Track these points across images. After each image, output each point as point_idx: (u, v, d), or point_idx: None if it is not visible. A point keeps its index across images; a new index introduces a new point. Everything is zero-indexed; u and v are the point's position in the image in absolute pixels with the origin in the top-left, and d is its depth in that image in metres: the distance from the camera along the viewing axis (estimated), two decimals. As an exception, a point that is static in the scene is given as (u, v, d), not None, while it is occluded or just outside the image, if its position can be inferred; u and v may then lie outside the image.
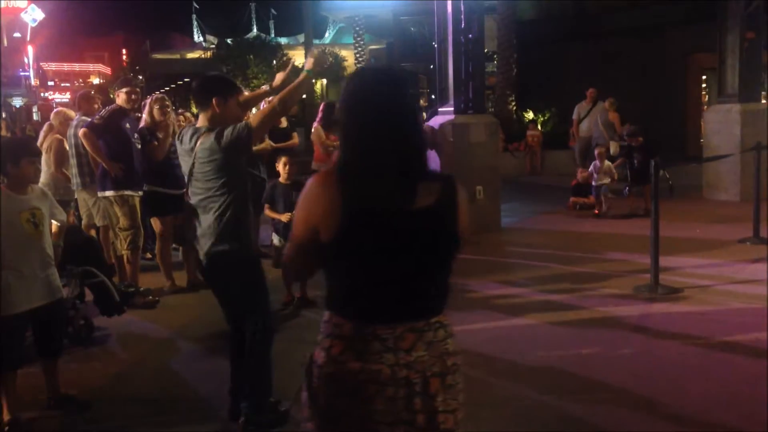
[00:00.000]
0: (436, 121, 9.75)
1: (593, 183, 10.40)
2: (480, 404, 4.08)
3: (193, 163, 3.67)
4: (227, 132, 3.58)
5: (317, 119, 8.98)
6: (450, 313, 2.00)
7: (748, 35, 11.01)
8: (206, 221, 3.69)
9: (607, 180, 10.33)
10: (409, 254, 1.88)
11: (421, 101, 25.00)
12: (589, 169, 10.58)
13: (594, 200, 10.36)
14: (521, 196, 12.33)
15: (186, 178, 3.75)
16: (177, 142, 3.89)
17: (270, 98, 4.30)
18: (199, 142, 3.64)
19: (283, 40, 36.70)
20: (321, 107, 9.25)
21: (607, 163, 10.39)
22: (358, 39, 26.98)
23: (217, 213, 3.65)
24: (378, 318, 1.89)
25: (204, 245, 3.72)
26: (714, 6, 11.62)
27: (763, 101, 12.25)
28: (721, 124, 11.19)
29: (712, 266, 7.02)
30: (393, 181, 1.86)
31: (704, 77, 18.51)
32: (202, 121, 3.76)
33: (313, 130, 8.85)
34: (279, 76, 4.18)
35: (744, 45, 11.04)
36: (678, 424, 3.86)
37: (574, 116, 13.43)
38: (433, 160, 9.52)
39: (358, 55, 26.97)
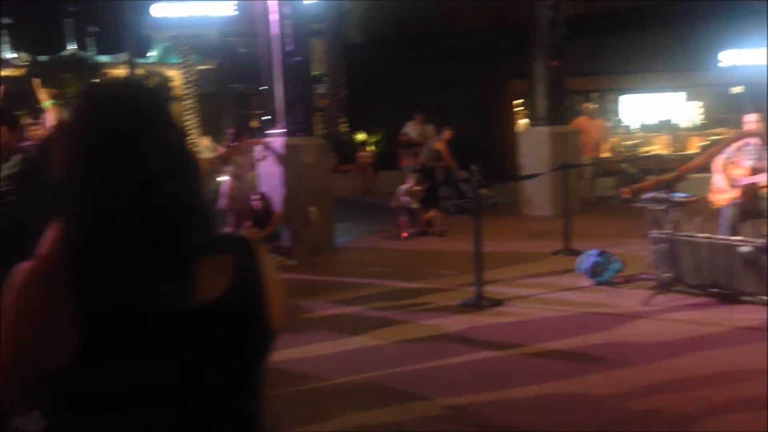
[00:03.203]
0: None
1: (404, 205, 10.41)
2: (311, 425, 4.11)
3: None
4: None
5: None
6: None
7: (553, 63, 11.97)
8: None
9: (416, 205, 10.46)
10: (192, 380, 1.20)
11: (254, 123, 24.78)
12: (399, 192, 10.54)
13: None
14: (354, 216, 12.54)
15: None
16: None
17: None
18: None
19: (105, 59, 35.01)
20: None
21: (416, 188, 10.49)
22: (185, 59, 26.31)
23: None
24: None
25: None
26: (525, 37, 12.53)
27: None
28: (534, 146, 12.04)
29: (530, 278, 7.50)
30: (156, 266, 1.16)
31: (520, 101, 19.86)
32: None
33: None
34: None
35: (550, 72, 11.99)
36: (504, 429, 4.08)
37: (406, 130, 13.86)
38: (275, 178, 9.38)
39: (186, 76, 26.28)
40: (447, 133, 12.77)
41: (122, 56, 35.25)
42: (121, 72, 30.54)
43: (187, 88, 25.16)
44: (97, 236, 1.15)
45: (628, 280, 7.00)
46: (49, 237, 1.26)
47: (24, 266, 1.19)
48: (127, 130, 1.18)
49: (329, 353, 5.40)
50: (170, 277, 1.17)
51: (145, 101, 1.24)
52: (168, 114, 1.26)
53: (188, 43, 25.32)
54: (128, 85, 1.31)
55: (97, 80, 1.39)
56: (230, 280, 1.22)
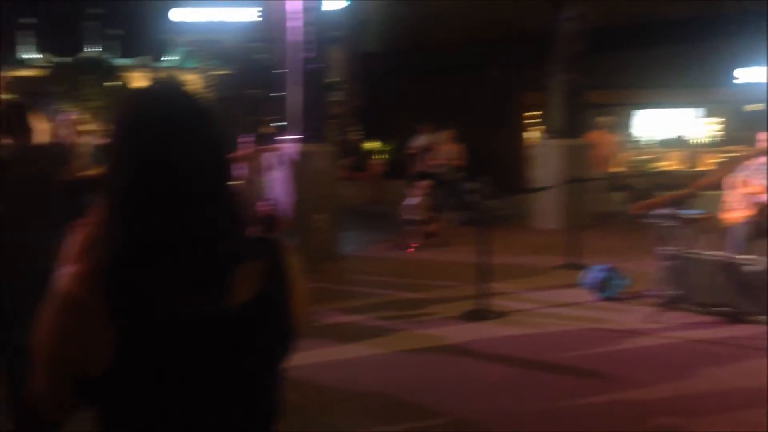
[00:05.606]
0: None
1: (411, 215, 10.30)
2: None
3: None
4: None
5: None
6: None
7: (571, 77, 11.93)
8: None
9: (422, 215, 10.35)
10: (220, 380, 1.26)
11: (266, 129, 24.96)
12: (406, 202, 10.43)
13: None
14: (362, 224, 12.54)
15: None
16: None
17: None
18: None
19: (126, 61, 35.46)
20: None
21: (424, 198, 10.38)
22: (204, 64, 26.56)
23: None
24: None
25: None
26: (542, 49, 12.51)
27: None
28: (547, 158, 12.00)
29: (534, 291, 7.46)
30: (192, 275, 1.20)
31: (534, 114, 19.81)
32: None
33: None
34: None
35: (567, 86, 11.95)
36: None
37: (417, 143, 13.87)
38: (283, 184, 9.42)
39: (204, 80, 26.53)
40: (448, 134, 12.87)
41: (141, 59, 35.64)
42: (142, 75, 30.92)
43: (205, 93, 25.38)
44: (135, 244, 1.19)
45: (634, 296, 6.94)
46: (76, 241, 1.29)
47: (65, 273, 1.21)
48: (168, 138, 1.21)
49: (329, 361, 5.37)
50: (206, 286, 1.21)
51: (186, 108, 1.26)
52: (208, 120, 1.28)
53: (208, 48, 25.57)
54: (169, 92, 1.31)
55: (141, 85, 1.39)
56: (261, 287, 1.27)
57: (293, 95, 9.61)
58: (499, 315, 6.47)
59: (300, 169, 9.35)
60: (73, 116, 7.61)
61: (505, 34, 19.57)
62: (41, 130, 4.99)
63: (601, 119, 14.66)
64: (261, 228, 8.79)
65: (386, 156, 18.46)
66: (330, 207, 9.47)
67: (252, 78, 24.60)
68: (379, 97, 19.49)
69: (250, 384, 1.29)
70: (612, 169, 13.61)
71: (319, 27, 9.55)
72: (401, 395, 4.70)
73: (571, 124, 12.13)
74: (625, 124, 21.51)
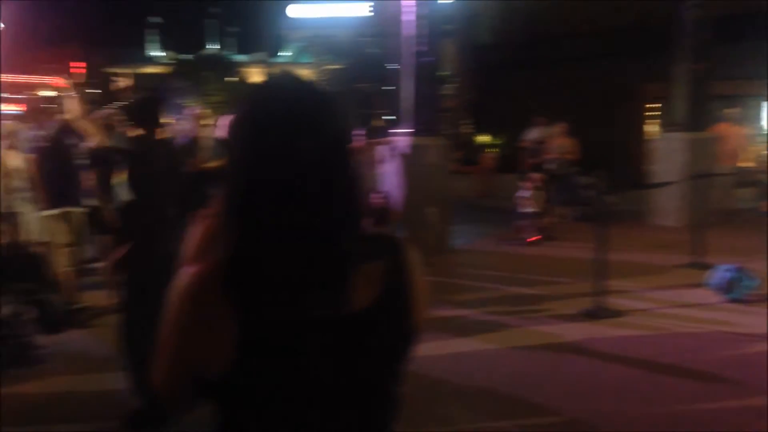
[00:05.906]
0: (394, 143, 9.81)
1: (525, 209, 10.17)
2: (423, 428, 4.10)
3: None
4: None
5: None
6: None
7: (697, 67, 11.36)
8: None
9: (537, 208, 10.20)
10: (340, 381, 1.22)
11: (376, 122, 25.24)
12: (519, 195, 10.29)
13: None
14: (473, 218, 12.45)
15: None
16: None
17: None
18: None
19: (243, 58, 36.77)
20: None
21: (538, 190, 10.23)
22: (318, 59, 27.11)
23: None
24: None
25: None
26: (665, 38, 11.97)
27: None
28: (668, 152, 11.49)
29: (654, 290, 7.18)
30: (314, 275, 1.18)
31: (655, 106, 19.01)
32: None
33: None
34: None
35: (692, 76, 11.38)
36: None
37: (531, 136, 13.62)
38: (395, 177, 9.49)
39: (318, 75, 27.09)
40: (562, 127, 12.52)
41: (258, 55, 36.85)
42: (258, 70, 31.97)
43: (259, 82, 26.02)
44: (255, 241, 1.17)
45: (764, 299, 6.54)
46: (197, 233, 1.32)
47: (189, 272, 1.21)
48: (288, 130, 1.17)
49: (441, 355, 5.36)
50: (327, 286, 1.18)
51: (307, 100, 1.22)
52: (329, 112, 1.23)
53: (321, 43, 26.07)
54: (289, 85, 1.25)
55: (262, 79, 1.34)
56: (382, 289, 1.23)
57: (406, 89, 9.65)
58: (617, 314, 6.26)
59: (412, 162, 9.39)
60: (197, 110, 7.92)
61: (627, 22, 18.88)
62: (168, 123, 5.24)
63: (728, 111, 13.86)
64: (372, 220, 8.89)
65: (498, 149, 18.25)
66: (441, 200, 9.46)
67: (364, 72, 24.89)
68: (491, 91, 19.28)
69: (369, 385, 1.26)
70: (740, 164, 12.87)
71: (432, 20, 9.56)
72: (514, 391, 4.64)
73: (696, 116, 11.59)
74: (754, 117, 20.26)
